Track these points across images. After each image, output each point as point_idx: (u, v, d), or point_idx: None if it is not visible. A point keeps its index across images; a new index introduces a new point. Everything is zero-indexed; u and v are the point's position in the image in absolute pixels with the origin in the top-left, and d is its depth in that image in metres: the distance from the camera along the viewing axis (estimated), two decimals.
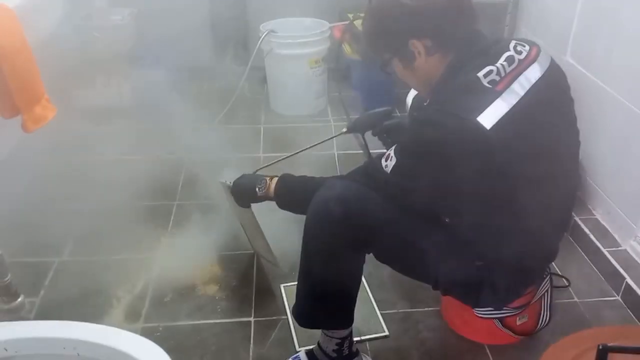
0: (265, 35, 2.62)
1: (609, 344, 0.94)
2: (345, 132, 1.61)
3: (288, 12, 2.84)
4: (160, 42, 2.72)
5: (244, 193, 1.54)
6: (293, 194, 1.43)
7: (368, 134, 1.60)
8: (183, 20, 2.88)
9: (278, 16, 2.80)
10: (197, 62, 3.06)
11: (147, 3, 2.77)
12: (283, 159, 1.58)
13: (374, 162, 1.28)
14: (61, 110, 1.83)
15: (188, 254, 1.87)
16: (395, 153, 1.19)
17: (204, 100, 2.89)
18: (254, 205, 1.59)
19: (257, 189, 1.49)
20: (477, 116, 1.07)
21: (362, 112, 2.71)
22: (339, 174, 1.46)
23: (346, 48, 2.75)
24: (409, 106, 2.33)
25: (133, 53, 2.64)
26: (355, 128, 1.59)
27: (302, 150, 1.60)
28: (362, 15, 2.68)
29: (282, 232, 1.85)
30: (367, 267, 1.45)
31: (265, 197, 1.50)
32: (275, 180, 1.48)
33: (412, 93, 2.32)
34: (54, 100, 1.77)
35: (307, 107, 2.81)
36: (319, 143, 1.60)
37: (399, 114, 2.70)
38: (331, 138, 1.65)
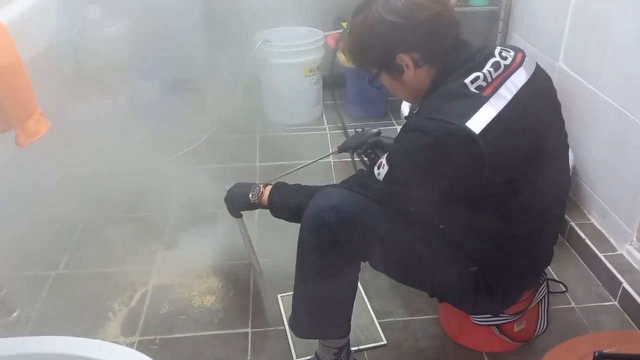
0: (260, 44, 2.63)
1: (605, 351, 0.94)
2: (336, 152, 1.68)
3: (282, 21, 2.85)
4: (155, 52, 2.73)
5: (238, 200, 1.55)
6: (287, 202, 1.43)
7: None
8: (178, 30, 2.88)
9: (272, 25, 2.81)
10: (192, 72, 3.06)
11: (142, 14, 2.77)
12: (280, 176, 1.63)
13: (367, 170, 1.29)
14: (56, 123, 1.83)
15: (184, 265, 1.86)
16: (387, 161, 1.20)
17: (200, 109, 2.90)
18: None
19: (250, 196, 1.49)
20: (466, 121, 1.08)
21: (357, 115, 2.76)
22: (334, 181, 1.47)
23: (340, 56, 2.76)
24: (403, 114, 2.35)
25: (128, 64, 2.64)
26: (345, 148, 1.65)
27: (293, 171, 1.66)
28: None
29: (279, 241, 1.85)
30: (364, 276, 1.45)
31: (258, 205, 1.50)
32: (268, 188, 1.49)
33: None
34: (48, 114, 1.77)
35: (302, 115, 2.81)
36: (311, 163, 1.68)
37: (397, 128, 2.71)
38: (322, 158, 1.72)
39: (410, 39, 1.17)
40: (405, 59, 1.20)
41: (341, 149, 1.66)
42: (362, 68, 1.29)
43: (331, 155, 2.38)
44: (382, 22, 1.16)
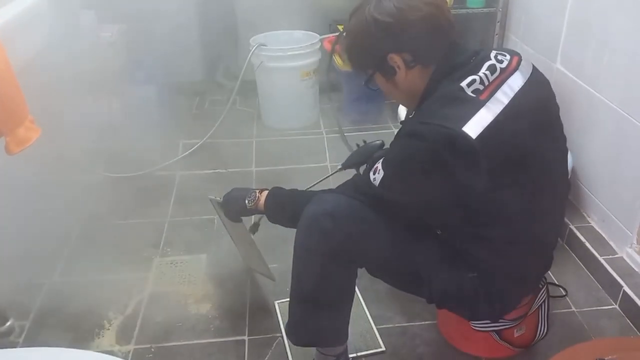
0: (255, 48, 2.62)
1: (606, 358, 0.92)
2: (341, 169, 1.65)
3: (278, 25, 2.84)
4: (151, 58, 2.72)
5: (234, 206, 1.54)
6: (283, 207, 1.42)
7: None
8: (173, 35, 2.87)
9: (268, 29, 2.80)
10: (187, 77, 3.05)
11: (137, 19, 2.76)
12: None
13: (362, 176, 1.27)
14: (50, 129, 1.81)
15: (180, 272, 1.84)
16: (382, 166, 1.18)
17: (196, 115, 2.89)
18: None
19: (246, 202, 1.48)
20: (463, 126, 1.07)
21: (354, 118, 2.74)
22: (332, 187, 1.46)
23: (337, 60, 2.75)
24: (401, 117, 2.33)
25: (123, 70, 2.63)
26: (349, 164, 1.63)
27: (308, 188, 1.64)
28: None
29: (275, 248, 1.83)
30: (362, 282, 1.43)
31: (255, 210, 1.49)
32: (265, 193, 1.47)
33: None
34: (42, 120, 1.75)
35: (299, 119, 2.80)
36: (317, 183, 1.65)
37: (394, 132, 2.69)
38: (327, 177, 1.70)
39: (401, 40, 1.17)
40: (396, 60, 1.19)
41: (345, 166, 1.64)
42: (357, 69, 1.29)
43: (329, 162, 2.38)
44: (374, 22, 1.17)
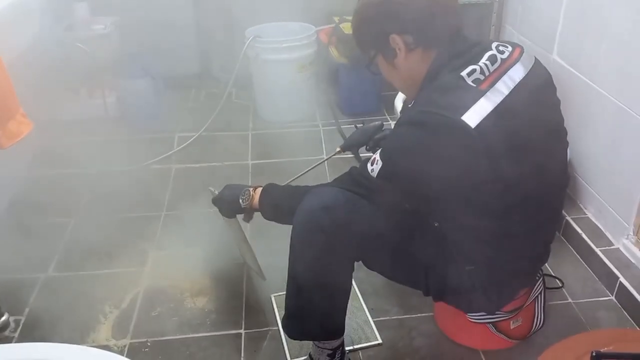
0: (250, 40, 2.60)
1: (603, 350, 0.92)
2: (340, 152, 1.64)
3: (273, 16, 2.82)
4: (145, 50, 2.70)
5: (228, 205, 1.52)
6: (277, 204, 1.41)
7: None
8: (168, 28, 2.86)
9: (263, 21, 2.77)
10: (182, 70, 3.03)
11: (131, 12, 2.74)
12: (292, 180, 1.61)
13: (360, 167, 1.26)
14: (45, 123, 1.80)
15: (176, 266, 1.84)
16: (380, 156, 1.17)
17: (191, 108, 2.87)
18: None
19: (240, 201, 1.47)
20: (462, 115, 1.06)
21: (351, 111, 2.73)
22: (329, 179, 1.45)
23: (333, 52, 2.73)
24: (397, 109, 2.32)
25: (117, 63, 2.61)
26: (349, 146, 1.62)
27: (301, 175, 1.64)
28: (348, 18, 2.67)
29: (272, 241, 1.83)
30: (358, 274, 1.42)
31: (249, 209, 1.47)
32: (259, 190, 1.46)
33: (401, 96, 2.31)
34: (36, 114, 1.74)
35: (295, 112, 2.78)
36: (316, 165, 1.65)
37: (391, 123, 2.69)
38: (327, 159, 1.71)
39: (404, 20, 1.17)
40: (397, 41, 1.19)
41: (345, 148, 1.61)
42: (361, 50, 1.29)
43: (325, 154, 2.37)
44: (380, 1, 1.18)
